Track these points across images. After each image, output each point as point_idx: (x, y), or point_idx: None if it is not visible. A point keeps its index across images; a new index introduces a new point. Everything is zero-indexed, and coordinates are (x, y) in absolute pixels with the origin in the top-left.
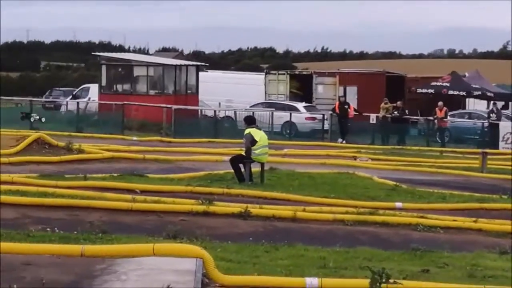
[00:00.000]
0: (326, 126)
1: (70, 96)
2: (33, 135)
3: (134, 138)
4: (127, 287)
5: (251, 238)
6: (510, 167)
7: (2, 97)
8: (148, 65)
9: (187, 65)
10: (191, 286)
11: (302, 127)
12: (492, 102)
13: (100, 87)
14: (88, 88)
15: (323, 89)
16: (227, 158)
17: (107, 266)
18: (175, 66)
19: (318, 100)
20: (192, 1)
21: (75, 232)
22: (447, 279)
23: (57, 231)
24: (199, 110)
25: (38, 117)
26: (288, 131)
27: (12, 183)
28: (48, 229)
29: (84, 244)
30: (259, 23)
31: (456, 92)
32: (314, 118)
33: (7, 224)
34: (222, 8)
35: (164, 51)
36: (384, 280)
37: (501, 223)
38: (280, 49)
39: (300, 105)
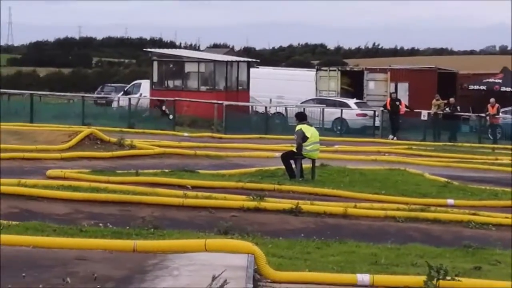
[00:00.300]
0: (377, 123)
1: (122, 92)
2: (85, 130)
3: (185, 134)
4: (179, 283)
5: (302, 234)
6: None
7: (54, 93)
8: (199, 61)
9: (238, 61)
10: (243, 281)
11: (353, 124)
12: None
13: (152, 83)
14: (140, 84)
15: (374, 86)
16: (278, 154)
17: (159, 261)
18: (226, 62)
19: (369, 97)
20: None
21: (127, 228)
22: (499, 277)
23: (110, 226)
24: (250, 106)
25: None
26: (339, 128)
27: (64, 178)
28: (101, 224)
29: (136, 239)
30: (310, 19)
31: (508, 89)
32: (365, 115)
33: (60, 219)
34: (273, 4)
35: (215, 47)
36: (441, 277)
37: None
38: (331, 46)
39: (351, 102)
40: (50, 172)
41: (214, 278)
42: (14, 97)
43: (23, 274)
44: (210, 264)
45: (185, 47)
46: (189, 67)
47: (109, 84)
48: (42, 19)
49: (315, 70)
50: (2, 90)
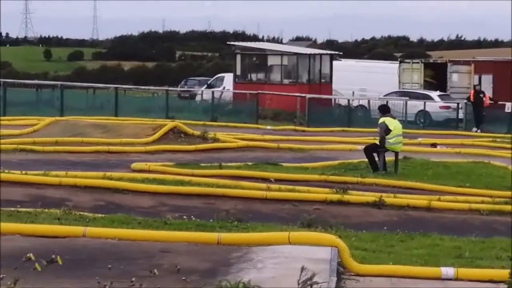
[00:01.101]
0: (461, 115)
1: (205, 86)
2: (169, 124)
3: (268, 127)
4: (263, 275)
5: (385, 227)
6: None
7: (138, 87)
8: (282, 54)
9: (321, 54)
10: (327, 274)
11: (436, 116)
12: None
13: (235, 76)
14: (223, 78)
15: (458, 78)
16: (361, 147)
17: (243, 254)
18: (309, 55)
19: (452, 89)
20: None
21: (211, 220)
22: None
23: (194, 219)
24: (333, 99)
25: None
26: (422, 120)
27: (149, 171)
28: (185, 217)
29: (220, 232)
30: (393, 11)
31: None
32: (448, 107)
33: (144, 211)
34: None
35: (298, 40)
36: None
37: None
38: (414, 38)
39: (435, 94)
40: (134, 165)
41: (303, 269)
42: (99, 91)
43: (109, 266)
44: (293, 257)
45: (268, 40)
46: (272, 60)
47: (192, 78)
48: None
49: (398, 62)
50: (87, 84)
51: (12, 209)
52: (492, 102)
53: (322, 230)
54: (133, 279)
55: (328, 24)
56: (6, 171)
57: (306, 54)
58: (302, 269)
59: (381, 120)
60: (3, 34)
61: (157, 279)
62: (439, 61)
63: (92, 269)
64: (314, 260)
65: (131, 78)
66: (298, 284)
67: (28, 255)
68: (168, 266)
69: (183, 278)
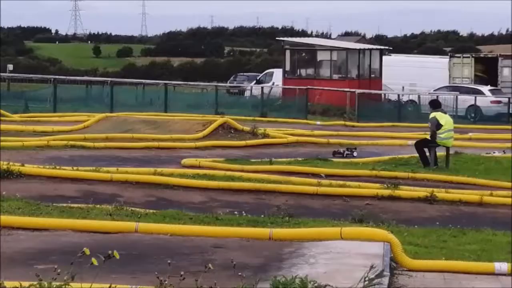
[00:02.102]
0: None
1: (254, 81)
2: (219, 120)
3: (318, 122)
4: (316, 271)
5: (437, 223)
6: None
7: (188, 83)
8: (331, 49)
9: (370, 49)
10: (380, 269)
11: (487, 111)
12: None
13: (284, 71)
14: (272, 73)
15: (509, 72)
16: (411, 142)
17: (295, 249)
18: (359, 50)
19: (503, 83)
20: None
21: (262, 216)
22: None
23: (245, 214)
24: (383, 94)
25: None
26: (472, 115)
27: (199, 167)
28: (236, 212)
29: (272, 227)
30: (442, 5)
31: None
32: (499, 102)
33: (195, 207)
34: None
35: (347, 35)
36: None
37: None
38: (464, 32)
39: (485, 89)
40: (185, 161)
41: (371, 267)
42: (149, 87)
43: (169, 261)
44: (346, 252)
45: (317, 36)
46: (321, 56)
47: (241, 73)
48: (175, 10)
49: (448, 57)
50: (137, 80)
51: (64, 205)
52: None
53: (373, 226)
54: (181, 273)
55: (377, 19)
56: (58, 167)
57: (355, 49)
58: (371, 267)
59: (432, 115)
60: (53, 31)
61: (211, 274)
62: (489, 56)
63: (145, 265)
64: (366, 256)
65: (180, 74)
66: (365, 280)
67: (83, 250)
68: (221, 262)
69: (239, 274)
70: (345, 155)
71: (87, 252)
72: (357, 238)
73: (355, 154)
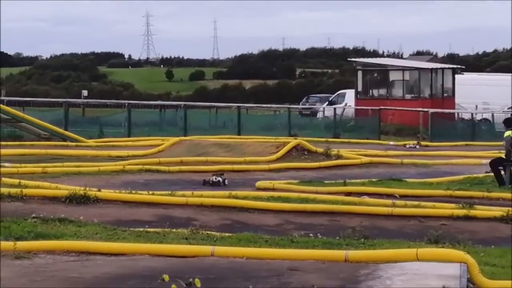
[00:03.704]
0: None
1: (327, 102)
2: (292, 141)
3: (391, 142)
4: None
5: None
6: None
7: (260, 105)
8: (404, 69)
9: (443, 68)
10: None
11: None
12: None
13: (356, 92)
14: (344, 94)
15: None
16: (486, 161)
17: (371, 271)
18: (431, 69)
19: None
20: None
21: (337, 238)
22: None
23: (320, 236)
24: (456, 113)
25: None
26: None
27: (273, 189)
28: (311, 234)
29: (347, 249)
30: None
31: None
32: None
33: (270, 230)
34: (475, 8)
35: (418, 54)
36: None
37: None
38: None
39: None
40: (259, 183)
41: None
42: (222, 110)
43: (250, 287)
44: (422, 274)
45: (388, 56)
46: (393, 76)
47: (314, 95)
48: (246, 32)
49: None
50: (209, 104)
51: (141, 229)
52: None
53: (449, 246)
54: None
55: (448, 37)
56: (134, 191)
57: (428, 68)
58: None
59: (507, 133)
60: (126, 56)
61: None
62: None
63: None
64: (443, 277)
65: (253, 97)
66: None
67: (162, 276)
68: (297, 284)
69: None
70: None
71: (166, 278)
72: (433, 259)
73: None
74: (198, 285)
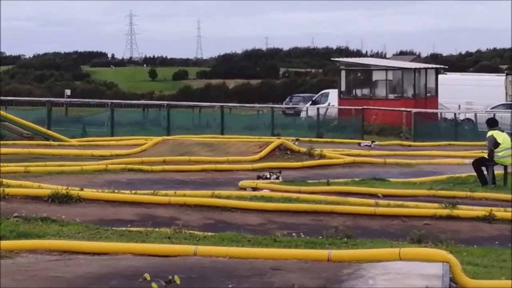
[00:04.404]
0: None
1: (310, 102)
2: (276, 141)
3: (374, 142)
4: None
5: (497, 242)
6: None
7: (244, 105)
8: (387, 69)
9: (426, 68)
10: None
11: None
12: None
13: (340, 92)
14: (327, 94)
15: None
16: (469, 161)
17: (353, 270)
18: (414, 69)
19: None
20: (429, 2)
21: (320, 237)
22: None
23: (303, 236)
24: (439, 113)
25: None
26: None
27: (256, 189)
28: (294, 234)
29: (330, 248)
30: (498, 23)
31: None
32: None
33: (253, 229)
34: (459, 9)
35: (402, 54)
36: None
37: None
38: None
39: None
40: (242, 183)
41: None
42: (205, 109)
43: (230, 286)
44: (405, 273)
45: (371, 55)
46: (376, 75)
47: (297, 94)
48: (229, 32)
49: (504, 75)
50: (193, 103)
51: (123, 228)
52: None
53: (432, 246)
54: None
55: (431, 37)
56: (116, 191)
57: (411, 68)
58: None
59: (489, 133)
60: (109, 56)
61: None
62: None
63: None
64: (425, 276)
65: (236, 96)
66: None
67: (144, 275)
68: (280, 284)
69: None
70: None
71: (148, 277)
72: (416, 259)
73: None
74: (178, 282)
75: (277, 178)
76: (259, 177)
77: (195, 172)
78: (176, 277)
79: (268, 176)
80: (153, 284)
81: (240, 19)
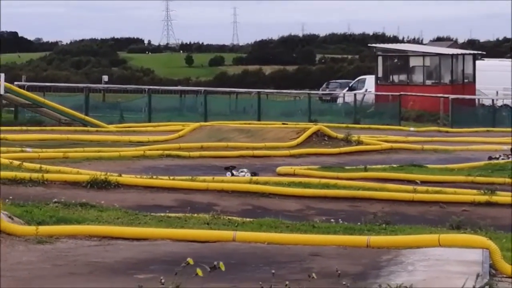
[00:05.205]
0: None
1: (347, 88)
2: (313, 127)
3: (411, 128)
4: (415, 278)
5: None
6: None
7: (281, 91)
8: (424, 55)
9: (463, 54)
10: (486, 279)
11: None
12: None
13: (377, 78)
14: (364, 80)
15: None
16: (507, 147)
17: (392, 257)
18: (452, 55)
19: None
20: None
21: (358, 223)
22: None
23: (341, 222)
24: (476, 99)
25: None
26: None
27: (294, 175)
28: (332, 220)
29: (368, 235)
30: None
31: None
32: None
33: (291, 215)
34: None
35: (438, 40)
36: None
37: None
38: None
39: None
40: (280, 169)
41: (478, 276)
42: (242, 95)
43: (272, 271)
44: (444, 259)
45: (408, 41)
46: (414, 61)
47: (334, 81)
48: (266, 18)
49: None
50: (229, 89)
51: (162, 214)
52: None
53: (471, 232)
54: (286, 282)
55: (469, 23)
56: (154, 176)
57: (448, 54)
58: (477, 276)
59: None
60: (146, 42)
61: (311, 282)
62: None
63: (244, 273)
64: (465, 263)
65: (272, 82)
66: None
67: (187, 260)
68: (319, 270)
69: (343, 282)
70: None
71: (191, 262)
72: (455, 245)
73: None
74: (223, 268)
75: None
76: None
77: (233, 158)
78: (221, 264)
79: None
80: (198, 270)
81: (276, 5)
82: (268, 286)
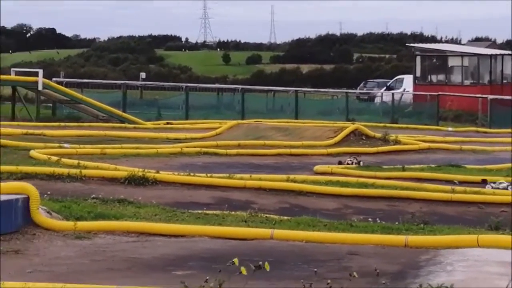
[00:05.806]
0: None
1: (384, 88)
2: (350, 126)
3: (450, 128)
4: (454, 278)
5: None
6: None
7: (318, 89)
8: (462, 55)
9: (502, 55)
10: None
11: None
12: None
13: (415, 78)
14: (402, 79)
15: None
16: None
17: (431, 257)
18: (490, 55)
19: None
20: None
21: (396, 223)
22: None
23: (379, 221)
24: None
25: None
26: None
27: (331, 173)
28: (370, 219)
29: (406, 234)
30: None
31: None
32: None
33: (329, 214)
34: None
35: (477, 40)
36: None
37: None
38: None
39: None
40: (317, 167)
41: None
42: (279, 93)
43: (315, 270)
44: (483, 260)
45: (446, 41)
46: (452, 61)
47: (371, 80)
48: (303, 16)
49: None
50: (267, 87)
51: (199, 211)
52: None
53: (510, 233)
54: (328, 281)
55: (508, 23)
56: (192, 174)
57: (487, 54)
58: None
59: None
60: (183, 39)
61: (353, 281)
62: None
63: (282, 271)
64: (504, 263)
65: (310, 81)
66: None
67: (233, 260)
68: (357, 269)
69: (382, 282)
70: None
71: (236, 262)
72: (495, 246)
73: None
74: (268, 268)
75: (358, 163)
76: (340, 163)
77: (270, 156)
78: (266, 264)
79: (351, 162)
80: (242, 268)
81: (313, 4)
82: (309, 284)
